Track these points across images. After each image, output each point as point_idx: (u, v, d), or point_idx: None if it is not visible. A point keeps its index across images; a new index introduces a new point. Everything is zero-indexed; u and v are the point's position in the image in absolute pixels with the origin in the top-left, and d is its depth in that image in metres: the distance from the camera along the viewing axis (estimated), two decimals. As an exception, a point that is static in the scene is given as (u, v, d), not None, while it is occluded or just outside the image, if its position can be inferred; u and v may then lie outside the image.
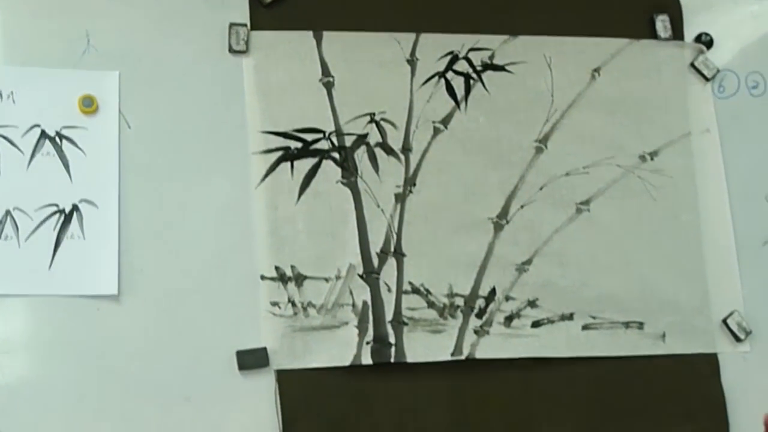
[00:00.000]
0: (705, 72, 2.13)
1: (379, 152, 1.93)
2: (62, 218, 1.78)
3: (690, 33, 2.14)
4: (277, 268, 1.85)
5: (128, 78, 1.85)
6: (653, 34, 2.11)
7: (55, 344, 1.74)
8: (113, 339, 1.76)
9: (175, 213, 1.83)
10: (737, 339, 2.01)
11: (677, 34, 2.13)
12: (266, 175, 1.88)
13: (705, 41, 2.14)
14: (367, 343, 1.86)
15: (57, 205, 1.78)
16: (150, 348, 1.77)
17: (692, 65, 2.13)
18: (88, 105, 1.82)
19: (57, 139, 1.80)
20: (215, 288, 1.82)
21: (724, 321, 2.01)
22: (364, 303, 1.87)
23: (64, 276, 1.75)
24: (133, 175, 1.82)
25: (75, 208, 1.78)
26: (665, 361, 1.91)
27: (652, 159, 2.05)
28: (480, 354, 1.90)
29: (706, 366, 1.96)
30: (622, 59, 2.08)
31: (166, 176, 1.84)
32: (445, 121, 1.97)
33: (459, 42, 2.00)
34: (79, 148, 1.81)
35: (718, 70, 2.14)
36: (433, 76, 1.98)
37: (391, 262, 1.90)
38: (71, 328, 1.75)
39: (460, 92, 1.99)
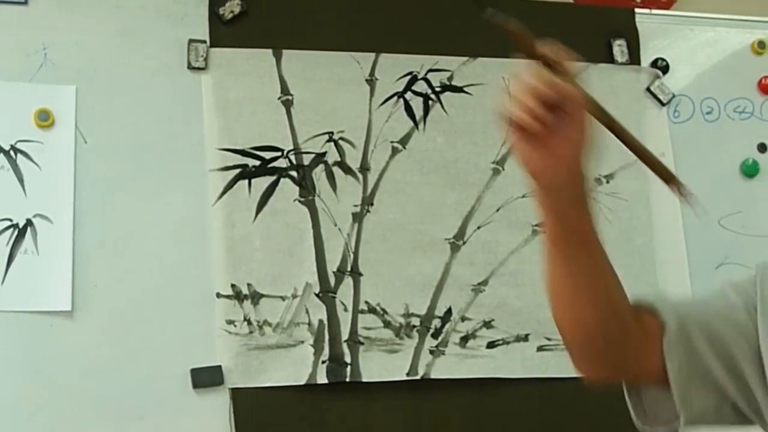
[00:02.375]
0: (661, 97, 2.15)
1: (337, 171, 1.93)
2: (16, 233, 1.76)
3: (646, 58, 2.17)
4: (233, 285, 1.84)
5: (85, 93, 1.83)
6: (610, 59, 2.14)
7: (7, 360, 1.72)
8: (66, 356, 1.74)
9: (131, 229, 1.82)
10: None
11: (634, 59, 2.15)
12: (223, 193, 1.87)
13: (661, 66, 2.17)
14: (323, 362, 1.85)
15: (10, 220, 1.76)
16: (104, 365, 1.75)
17: (648, 90, 2.15)
18: (44, 119, 1.80)
19: (11, 152, 1.78)
20: (170, 305, 1.81)
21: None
22: (320, 322, 1.87)
23: (17, 292, 1.73)
24: (88, 191, 1.80)
25: (29, 222, 1.77)
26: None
27: (607, 182, 2.07)
28: (435, 374, 1.90)
29: (659, 388, 1.98)
30: (580, 82, 2.10)
31: (123, 192, 1.82)
32: (404, 141, 1.98)
33: (418, 63, 2.01)
34: (34, 162, 1.79)
35: (674, 95, 2.17)
36: (392, 96, 1.99)
37: (348, 281, 1.90)
38: (24, 344, 1.73)
39: (418, 113, 2.00)
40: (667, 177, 1.20)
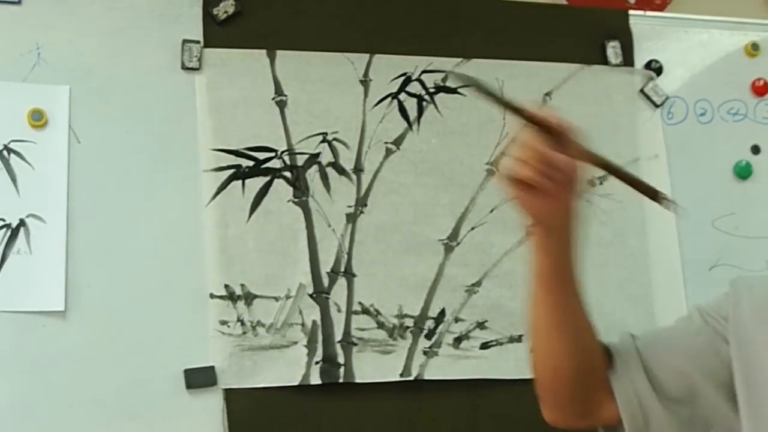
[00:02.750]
0: (654, 98, 2.16)
1: (331, 172, 1.94)
2: (9, 233, 1.75)
3: (640, 60, 2.18)
4: (226, 286, 1.84)
5: (79, 93, 1.83)
6: (604, 60, 2.14)
7: (0, 360, 1.72)
8: (59, 356, 1.74)
9: (125, 229, 1.82)
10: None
11: (628, 60, 2.16)
12: (217, 193, 1.87)
13: (655, 68, 2.18)
14: (316, 362, 1.86)
15: (3, 220, 1.76)
16: (97, 365, 1.75)
17: (642, 91, 2.16)
18: (38, 119, 1.80)
19: (5, 152, 1.78)
20: (164, 306, 1.81)
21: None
22: (314, 323, 1.87)
23: (10, 292, 1.73)
24: (82, 191, 1.80)
25: (22, 222, 1.76)
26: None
27: (601, 183, 2.07)
28: (429, 375, 1.91)
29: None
30: (574, 84, 2.11)
31: (116, 192, 1.82)
32: (398, 142, 1.98)
33: (412, 64, 2.02)
34: (28, 163, 1.79)
35: (667, 97, 2.17)
36: (386, 97, 1.99)
37: (342, 282, 1.90)
38: (16, 344, 1.72)
39: (412, 114, 2.01)
40: (654, 194, 1.23)
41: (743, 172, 2.17)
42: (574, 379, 1.33)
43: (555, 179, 1.19)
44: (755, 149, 2.20)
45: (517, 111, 1.14)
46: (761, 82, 2.22)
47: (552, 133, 1.17)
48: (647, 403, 1.32)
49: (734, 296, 1.34)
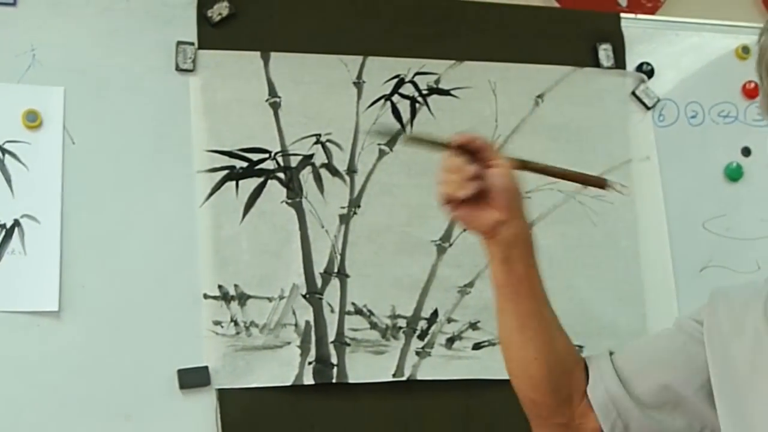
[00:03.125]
0: (646, 101, 2.17)
1: (324, 173, 1.94)
2: (3, 233, 1.76)
3: (632, 62, 2.19)
4: (220, 287, 1.85)
5: (73, 94, 1.84)
6: (596, 63, 2.16)
7: (-6, 360, 1.72)
8: (53, 356, 1.75)
9: (119, 230, 1.82)
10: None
11: (619, 63, 2.17)
12: (211, 194, 1.88)
13: (646, 71, 2.19)
14: (309, 363, 1.86)
15: (-2, 220, 1.76)
16: (90, 365, 1.76)
17: (633, 94, 2.17)
18: (32, 120, 1.80)
19: (-1, 153, 1.79)
20: (157, 306, 1.81)
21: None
22: (307, 323, 1.88)
23: (4, 292, 1.73)
24: (76, 191, 1.81)
25: (16, 223, 1.77)
26: None
27: (593, 185, 2.09)
28: (421, 375, 1.91)
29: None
30: (565, 86, 2.12)
31: (110, 193, 1.83)
32: (391, 143, 1.99)
33: (405, 66, 2.03)
34: (22, 163, 1.79)
35: (659, 99, 2.19)
36: (379, 99, 2.00)
37: (335, 282, 1.91)
38: (10, 344, 1.73)
39: (405, 115, 2.02)
40: (601, 183, 1.35)
41: (734, 174, 2.19)
42: (549, 385, 1.36)
43: (484, 190, 1.27)
44: (746, 151, 2.21)
45: (442, 145, 1.27)
46: (752, 85, 2.23)
47: (473, 151, 1.27)
48: (625, 410, 1.34)
49: (711, 305, 1.37)
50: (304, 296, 1.88)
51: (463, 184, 1.26)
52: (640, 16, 2.33)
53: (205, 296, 1.84)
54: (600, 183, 1.32)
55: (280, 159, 1.92)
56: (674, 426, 1.36)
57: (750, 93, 2.23)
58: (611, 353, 1.40)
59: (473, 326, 1.96)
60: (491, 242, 1.33)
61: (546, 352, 1.36)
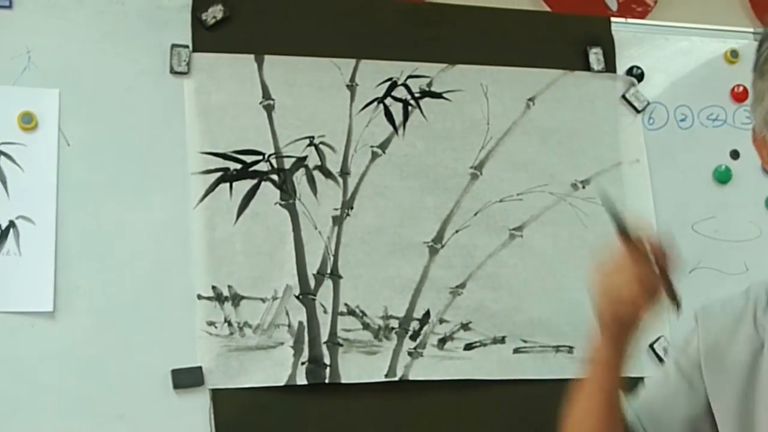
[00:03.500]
0: (636, 104, 2.19)
1: (317, 175, 1.96)
2: (-2, 234, 1.77)
3: (622, 66, 2.20)
4: (214, 287, 1.86)
5: (69, 96, 1.85)
6: (587, 66, 2.17)
7: (-11, 360, 1.73)
8: (48, 356, 1.76)
9: (113, 231, 1.83)
10: (663, 363, 2.07)
11: (610, 67, 2.19)
12: (205, 196, 1.89)
13: (636, 74, 2.20)
14: (302, 363, 1.87)
15: (-7, 221, 1.78)
16: (85, 365, 1.77)
17: (624, 97, 2.19)
18: (28, 122, 1.82)
19: (-5, 154, 1.80)
20: (152, 306, 1.83)
21: (651, 346, 2.07)
22: (300, 324, 1.89)
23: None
24: (71, 193, 1.82)
25: (11, 224, 1.78)
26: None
27: (583, 187, 2.10)
28: (414, 375, 1.93)
29: (634, 389, 2.00)
30: (556, 90, 2.13)
31: (105, 194, 1.84)
32: (383, 145, 2.01)
33: (398, 69, 2.04)
34: (17, 165, 1.81)
35: (648, 103, 2.20)
36: (372, 102, 2.02)
37: (328, 283, 1.92)
38: (6, 344, 1.74)
39: (398, 118, 2.03)
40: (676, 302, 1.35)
41: (723, 177, 2.20)
42: None
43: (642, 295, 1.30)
44: (734, 154, 2.22)
45: (633, 242, 1.29)
46: (740, 89, 2.25)
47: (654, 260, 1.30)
48: None
49: (702, 325, 1.39)
50: (297, 297, 1.90)
51: (632, 289, 1.30)
52: (630, 20, 2.35)
53: (199, 297, 1.85)
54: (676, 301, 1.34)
55: (273, 161, 1.94)
56: None
57: (738, 97, 2.25)
58: (639, 419, 1.43)
59: (465, 327, 1.97)
60: (615, 325, 1.35)
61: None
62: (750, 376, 1.32)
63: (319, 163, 1.96)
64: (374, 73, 2.03)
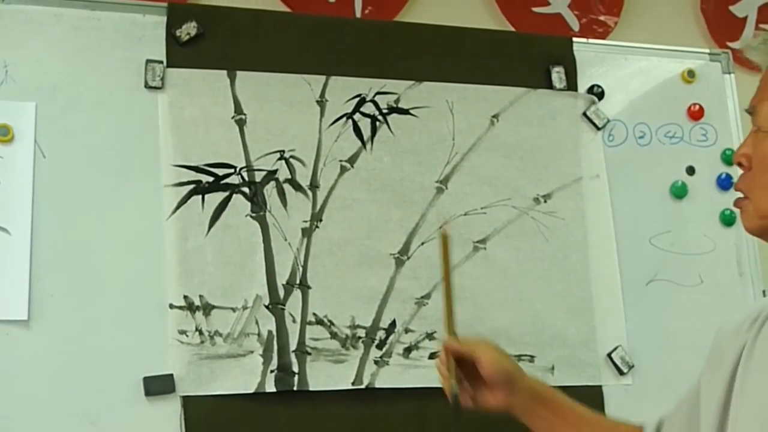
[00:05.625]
0: (596, 121, 2.24)
1: (287, 188, 1.99)
2: (-26, 244, 1.79)
3: (583, 85, 2.25)
4: (185, 297, 1.89)
5: (45, 109, 1.88)
6: (549, 85, 2.22)
7: (-37, 368, 1.75)
8: (21, 364, 1.78)
9: (87, 242, 1.86)
10: (620, 372, 2.12)
11: (571, 85, 2.24)
12: (177, 208, 1.92)
13: (597, 93, 2.26)
14: (272, 371, 1.91)
15: (-30, 231, 1.79)
16: (58, 373, 1.79)
17: (584, 115, 2.24)
18: (4, 134, 1.84)
19: (-28, 166, 1.82)
20: (124, 315, 1.85)
21: (609, 355, 2.12)
22: (270, 333, 1.92)
23: (-24, 301, 1.76)
24: (46, 204, 1.84)
25: (-13, 234, 1.80)
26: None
27: (545, 201, 2.15)
28: (380, 383, 1.97)
29: (592, 397, 2.05)
30: (520, 107, 2.18)
31: (80, 205, 1.87)
32: (352, 160, 2.04)
33: (367, 86, 2.08)
34: (-6, 176, 1.83)
35: (609, 120, 2.25)
36: (341, 117, 2.05)
37: (297, 293, 1.95)
38: (-20, 352, 1.76)
39: (366, 133, 2.07)
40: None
41: (679, 192, 2.26)
42: None
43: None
44: (690, 170, 2.28)
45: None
46: (696, 107, 2.31)
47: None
48: None
49: (715, 340, 1.47)
50: (266, 307, 1.93)
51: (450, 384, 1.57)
52: (591, 40, 2.41)
53: (171, 306, 1.88)
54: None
55: (244, 174, 1.97)
56: None
57: (695, 115, 2.31)
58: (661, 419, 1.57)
59: (430, 336, 2.01)
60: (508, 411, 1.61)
61: None
62: (733, 371, 1.39)
63: (290, 177, 2.00)
64: (343, 89, 2.06)
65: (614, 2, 3.36)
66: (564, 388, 1.90)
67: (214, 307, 1.90)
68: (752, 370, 1.36)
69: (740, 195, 1.41)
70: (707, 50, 2.38)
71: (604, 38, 3.22)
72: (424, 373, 1.99)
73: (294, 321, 1.94)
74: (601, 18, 3.34)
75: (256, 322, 1.92)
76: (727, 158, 2.29)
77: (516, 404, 1.61)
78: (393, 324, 2.00)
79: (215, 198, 1.94)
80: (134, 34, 1.96)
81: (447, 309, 1.66)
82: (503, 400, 1.60)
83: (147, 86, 1.94)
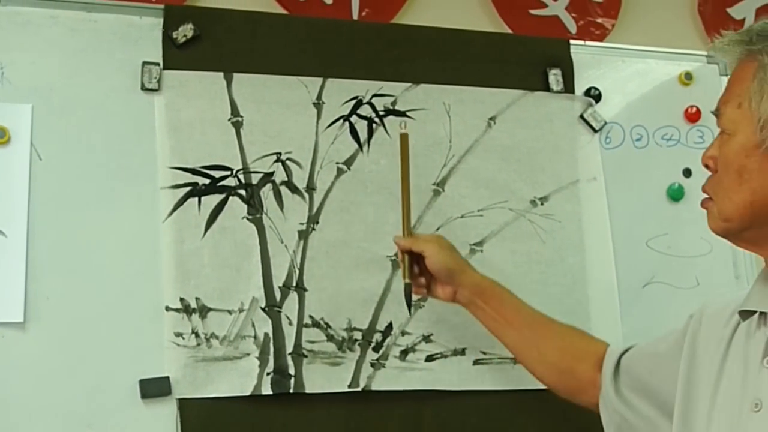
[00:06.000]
0: (593, 124, 2.24)
1: (284, 190, 1.99)
2: (-30, 246, 1.79)
3: (580, 87, 2.25)
4: (181, 299, 1.89)
5: (41, 111, 1.87)
6: (546, 87, 2.21)
7: (-41, 370, 1.75)
8: (18, 366, 1.78)
9: (84, 244, 1.86)
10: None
11: (568, 87, 2.23)
12: (174, 210, 1.92)
13: (594, 95, 2.25)
14: (268, 374, 1.90)
15: (-35, 233, 1.79)
16: (54, 375, 1.79)
17: (581, 117, 2.24)
18: (1, 136, 1.84)
19: (-32, 168, 1.82)
20: (121, 318, 1.85)
21: (606, 358, 2.12)
22: (266, 335, 1.92)
23: (-29, 303, 1.76)
24: (42, 206, 1.84)
25: (-16, 236, 1.80)
26: (550, 395, 1.98)
27: (542, 204, 2.15)
28: (376, 386, 1.97)
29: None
30: (517, 109, 2.18)
31: (76, 208, 1.87)
32: (348, 162, 2.04)
33: (363, 88, 2.08)
34: (-10, 178, 1.83)
35: (606, 123, 2.25)
36: (337, 120, 2.05)
37: (293, 296, 1.95)
38: (-24, 354, 1.75)
39: (363, 135, 2.07)
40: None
41: (676, 195, 2.26)
42: (557, 387, 1.85)
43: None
44: (687, 172, 2.27)
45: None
46: (693, 110, 2.31)
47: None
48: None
49: (698, 312, 1.50)
50: (263, 309, 1.93)
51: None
52: (588, 42, 2.39)
53: (167, 308, 1.88)
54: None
55: (241, 176, 1.97)
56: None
57: (692, 117, 2.30)
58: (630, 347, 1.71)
59: (426, 339, 2.01)
60: (457, 303, 1.85)
61: (544, 363, 1.81)
62: (717, 367, 1.42)
63: (286, 179, 1.99)
64: (340, 91, 2.06)
65: (611, 5, 3.36)
66: (560, 391, 1.92)
67: (210, 309, 1.90)
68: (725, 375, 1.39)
69: (707, 196, 1.44)
70: (705, 53, 2.37)
71: (601, 41, 3.23)
72: (420, 375, 1.99)
73: (290, 323, 1.94)
74: (599, 20, 3.34)
75: (253, 325, 1.92)
76: (724, 161, 2.28)
77: (460, 297, 1.85)
78: (390, 326, 2.00)
79: (212, 200, 1.94)
80: (131, 36, 1.96)
81: (404, 209, 1.89)
82: (450, 292, 1.86)
83: (143, 88, 1.94)
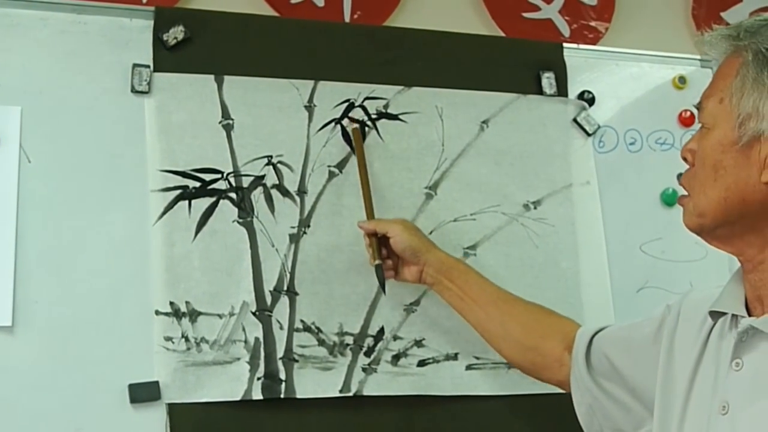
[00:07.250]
0: (586, 127, 2.23)
1: (275, 194, 1.98)
2: (-42, 249, 1.78)
3: (573, 90, 2.25)
4: (171, 303, 1.88)
5: (30, 113, 1.86)
6: (539, 90, 2.21)
7: (-54, 374, 1.74)
8: (5, 370, 1.77)
9: (73, 247, 1.85)
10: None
11: (562, 91, 2.23)
12: (164, 213, 1.91)
13: (587, 99, 2.25)
14: (258, 378, 1.89)
15: (-47, 236, 1.78)
16: (42, 379, 1.78)
17: (575, 121, 2.23)
18: (-11, 138, 1.83)
19: (-44, 171, 1.81)
20: (110, 321, 1.84)
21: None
22: (256, 339, 1.91)
23: (-42, 306, 1.75)
24: (31, 209, 1.83)
25: (-29, 239, 1.79)
26: (544, 400, 1.98)
27: (535, 208, 2.14)
28: (368, 391, 1.95)
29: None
30: (510, 113, 2.17)
31: (65, 211, 1.86)
32: (340, 165, 2.03)
33: (355, 91, 2.07)
34: (-22, 181, 1.81)
35: (599, 126, 2.25)
36: (329, 123, 2.04)
37: (284, 300, 1.94)
38: (-37, 358, 1.74)
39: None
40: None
41: (669, 199, 2.25)
42: (522, 365, 1.87)
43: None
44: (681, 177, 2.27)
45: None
46: (687, 114, 2.30)
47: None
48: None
49: (676, 305, 1.50)
50: (253, 313, 1.92)
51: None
52: (582, 46, 2.38)
53: (157, 312, 1.86)
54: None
55: (232, 179, 1.96)
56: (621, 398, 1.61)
57: (686, 121, 2.30)
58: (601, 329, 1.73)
59: (418, 344, 2.00)
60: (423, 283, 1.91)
61: (507, 341, 1.83)
62: (694, 365, 1.41)
63: (277, 182, 1.99)
64: (332, 94, 2.05)
65: (605, 8, 3.36)
66: (554, 395, 1.92)
67: (200, 313, 1.89)
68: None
69: (685, 194, 1.44)
70: (698, 56, 2.37)
71: (594, 44, 3.22)
72: (412, 380, 1.98)
73: (281, 328, 1.93)
74: (592, 24, 3.34)
75: (243, 329, 1.91)
76: (718, 165, 2.28)
77: (426, 276, 1.90)
78: (381, 331, 1.99)
79: (202, 203, 1.93)
80: (121, 38, 1.95)
81: (365, 196, 1.95)
82: (416, 272, 1.90)
83: (134, 91, 1.93)
